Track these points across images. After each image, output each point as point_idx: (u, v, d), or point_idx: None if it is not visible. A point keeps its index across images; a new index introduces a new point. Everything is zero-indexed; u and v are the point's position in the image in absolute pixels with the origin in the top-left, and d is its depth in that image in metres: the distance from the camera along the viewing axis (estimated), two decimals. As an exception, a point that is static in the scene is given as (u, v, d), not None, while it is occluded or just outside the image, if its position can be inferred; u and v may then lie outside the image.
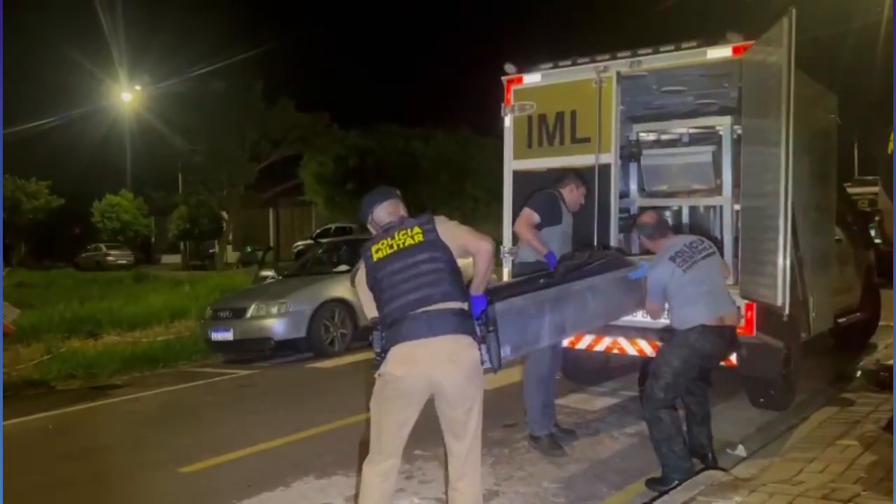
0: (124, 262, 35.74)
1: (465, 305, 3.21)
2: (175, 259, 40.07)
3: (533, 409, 5.14)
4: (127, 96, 32.14)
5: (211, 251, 35.00)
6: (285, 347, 9.37)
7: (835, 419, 5.41)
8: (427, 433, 5.51)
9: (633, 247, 6.31)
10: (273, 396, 7.69)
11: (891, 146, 2.07)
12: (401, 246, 3.21)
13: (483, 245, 3.20)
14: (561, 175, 5.48)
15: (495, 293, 3.68)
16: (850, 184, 13.44)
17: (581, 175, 5.57)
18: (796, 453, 4.73)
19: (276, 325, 9.20)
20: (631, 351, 5.91)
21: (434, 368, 3.10)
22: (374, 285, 3.25)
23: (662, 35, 5.87)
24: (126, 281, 22.26)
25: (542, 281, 4.37)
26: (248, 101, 28.03)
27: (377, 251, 3.25)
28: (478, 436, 3.29)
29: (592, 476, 4.67)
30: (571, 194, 5.33)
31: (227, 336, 9.37)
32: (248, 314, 9.34)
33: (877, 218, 8.32)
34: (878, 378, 6.50)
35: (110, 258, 36.49)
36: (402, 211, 3.45)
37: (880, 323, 8.51)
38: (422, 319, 3.08)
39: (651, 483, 4.37)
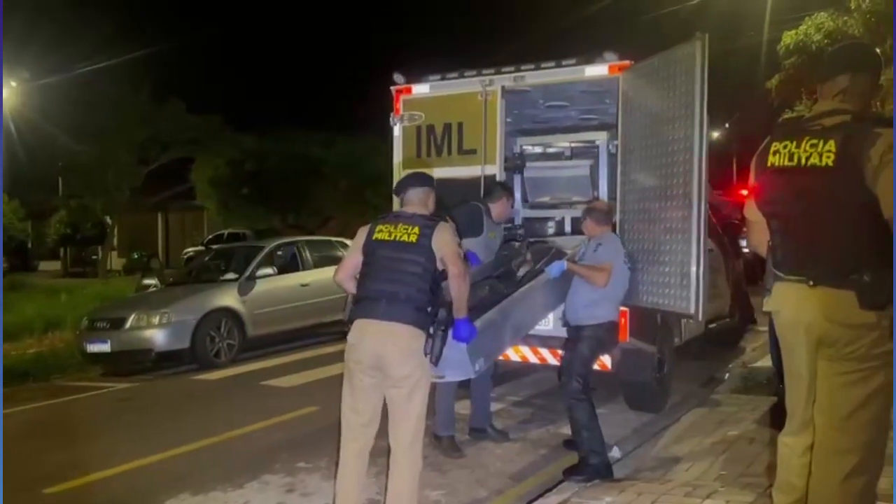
0: (-5, 269, 33.34)
1: (427, 307, 3.53)
2: (55, 265, 37.75)
3: (443, 411, 5.23)
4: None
5: (94, 258, 33.22)
6: (168, 359, 9.01)
7: (704, 420, 5.72)
8: (309, 446, 5.54)
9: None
10: (152, 411, 7.37)
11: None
12: (396, 238, 3.58)
13: (452, 269, 3.56)
14: (490, 188, 5.64)
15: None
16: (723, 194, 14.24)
17: (509, 188, 5.75)
18: (666, 453, 4.97)
19: (157, 336, 8.83)
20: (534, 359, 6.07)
21: (379, 345, 3.48)
22: (364, 255, 3.66)
23: (575, 49, 6.00)
24: (-4, 289, 20.77)
25: (504, 290, 4.88)
26: (136, 100, 26.82)
27: (379, 231, 3.64)
28: (417, 440, 3.59)
29: (474, 481, 4.74)
30: (502, 208, 5.51)
31: (105, 347, 8.91)
32: (128, 324, 8.91)
33: (744, 229, 8.83)
34: (744, 380, 6.96)
35: (-21, 265, 33.95)
36: (431, 203, 3.81)
37: (749, 328, 9.08)
38: (381, 304, 3.49)
39: (568, 472, 4.52)
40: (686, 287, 4.84)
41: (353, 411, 3.64)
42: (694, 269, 4.78)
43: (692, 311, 4.84)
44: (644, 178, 5.30)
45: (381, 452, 3.86)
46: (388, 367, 3.49)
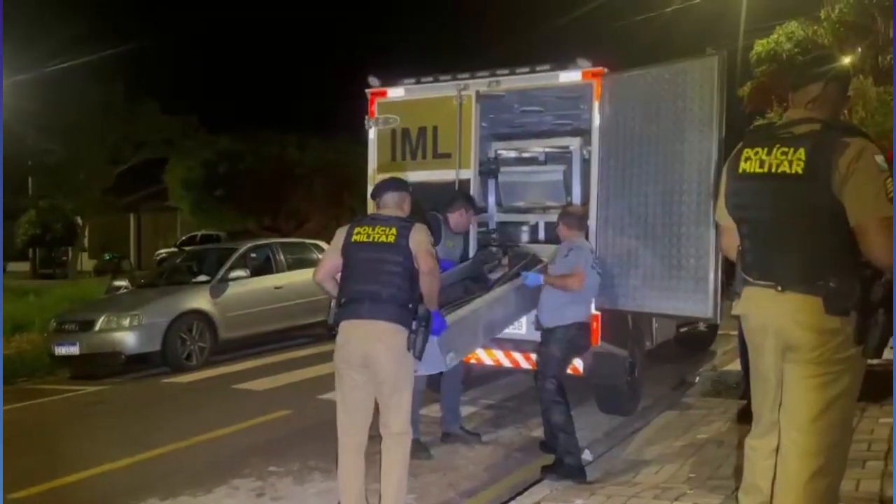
0: (-38, 270, 32.65)
1: (408, 304, 3.66)
2: (24, 266, 37.11)
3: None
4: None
5: (63, 259, 32.67)
6: (138, 362, 8.87)
7: (674, 423, 5.78)
8: (280, 449, 5.51)
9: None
10: (121, 414, 7.28)
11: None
12: (374, 240, 3.69)
13: (423, 266, 3.69)
14: (451, 198, 5.67)
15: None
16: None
17: (471, 198, 5.77)
18: (637, 456, 5.02)
19: (128, 339, 8.70)
20: (507, 363, 6.10)
21: (365, 344, 3.61)
22: (343, 257, 3.76)
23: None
24: (-37, 290, 20.33)
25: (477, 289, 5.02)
26: (108, 100, 26.45)
27: (357, 234, 3.74)
28: (406, 431, 3.77)
29: (446, 484, 4.75)
30: (460, 218, 5.57)
31: (73, 350, 8.76)
32: (97, 327, 8.77)
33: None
34: (714, 384, 7.04)
35: (-55, 266, 33.21)
36: (407, 206, 3.95)
37: (718, 332, 9.18)
38: (365, 305, 3.61)
39: (545, 470, 4.57)
40: (702, 291, 4.94)
41: (345, 410, 3.77)
42: (712, 274, 4.88)
43: (710, 314, 4.98)
44: (639, 185, 5.30)
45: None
46: (376, 364, 3.62)
